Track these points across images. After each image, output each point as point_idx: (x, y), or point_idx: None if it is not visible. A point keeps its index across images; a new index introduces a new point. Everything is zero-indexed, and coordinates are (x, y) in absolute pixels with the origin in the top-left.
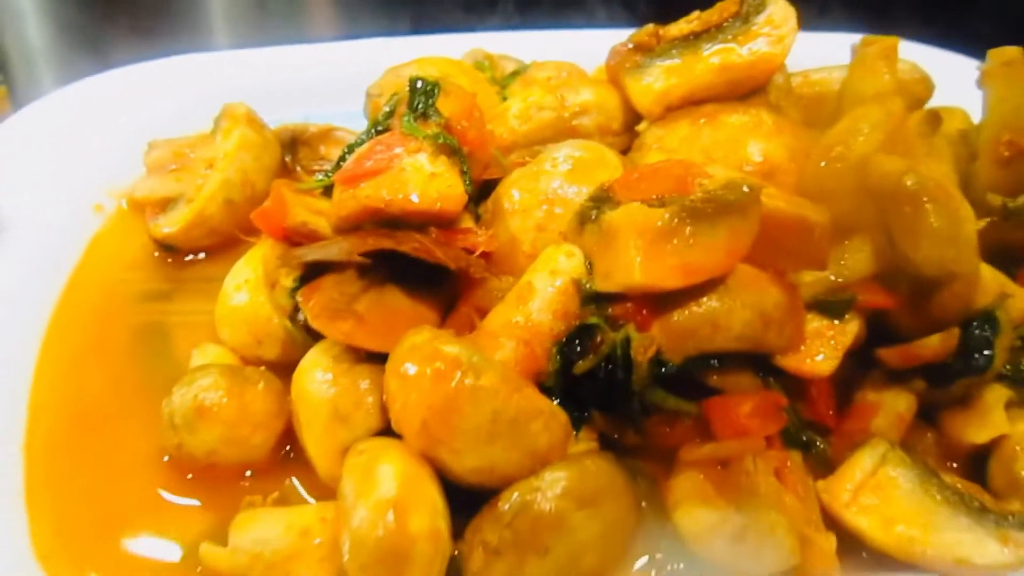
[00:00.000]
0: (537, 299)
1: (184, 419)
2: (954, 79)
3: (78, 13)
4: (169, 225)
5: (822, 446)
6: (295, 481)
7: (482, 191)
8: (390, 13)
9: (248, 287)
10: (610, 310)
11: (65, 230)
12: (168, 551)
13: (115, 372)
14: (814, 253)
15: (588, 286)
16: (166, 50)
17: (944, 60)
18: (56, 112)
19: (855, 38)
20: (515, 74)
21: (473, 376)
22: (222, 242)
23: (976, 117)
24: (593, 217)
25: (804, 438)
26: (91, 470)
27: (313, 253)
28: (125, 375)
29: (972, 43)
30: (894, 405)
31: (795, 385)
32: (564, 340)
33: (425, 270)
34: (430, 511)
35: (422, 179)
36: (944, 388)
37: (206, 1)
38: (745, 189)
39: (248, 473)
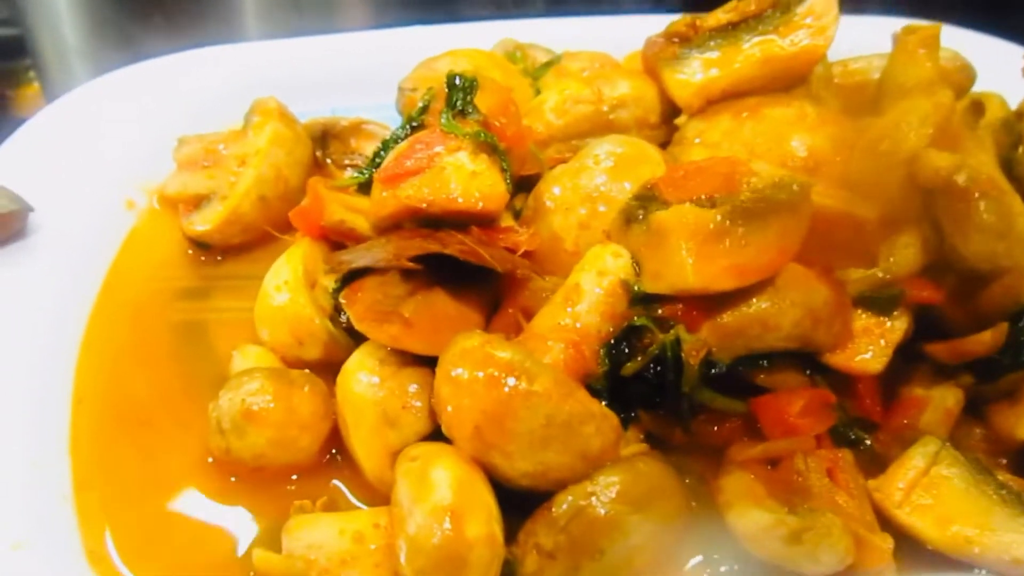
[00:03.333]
0: (585, 301)
1: (232, 423)
2: (990, 63)
3: (111, 9)
4: (203, 223)
5: (870, 443)
6: (340, 484)
7: (519, 186)
8: (423, 3)
9: (288, 287)
10: (659, 311)
11: (98, 228)
12: (216, 554)
13: (156, 372)
14: (863, 249)
15: (636, 287)
16: (199, 45)
17: (980, 43)
18: (83, 107)
19: (892, 22)
20: (547, 65)
21: (527, 381)
22: (255, 239)
23: (1013, 102)
24: (640, 217)
25: (852, 435)
26: (137, 471)
27: (360, 259)
28: (166, 375)
29: (1010, 27)
30: (942, 400)
31: (841, 381)
32: (612, 342)
33: (469, 270)
34: (485, 516)
35: (463, 178)
36: (992, 383)
37: None
38: (795, 188)
39: (294, 476)
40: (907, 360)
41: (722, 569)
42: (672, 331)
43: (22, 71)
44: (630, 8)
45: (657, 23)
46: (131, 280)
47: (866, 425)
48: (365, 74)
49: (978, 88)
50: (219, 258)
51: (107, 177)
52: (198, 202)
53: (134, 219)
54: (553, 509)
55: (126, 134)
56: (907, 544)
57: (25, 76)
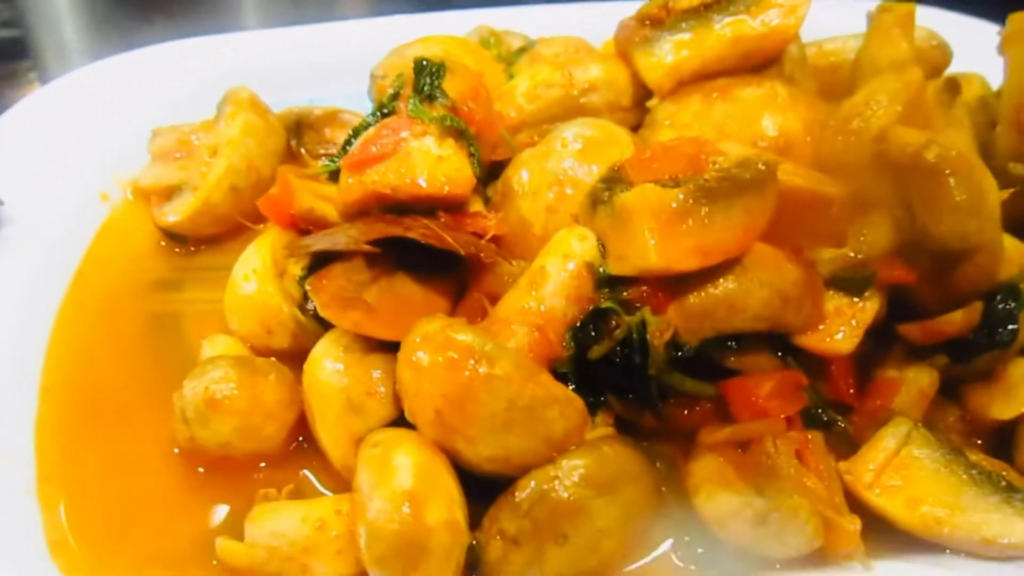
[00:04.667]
0: (550, 284)
1: (196, 412)
2: (971, 44)
3: (111, 10)
4: (175, 214)
5: (843, 425)
6: (308, 473)
7: (490, 172)
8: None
9: (257, 276)
10: (625, 293)
11: (71, 220)
12: (181, 543)
13: (126, 362)
14: (833, 229)
15: (602, 270)
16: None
17: (961, 24)
18: (56, 101)
19: (869, 4)
20: (522, 51)
21: (487, 364)
22: (228, 230)
23: (995, 82)
24: (605, 199)
25: (825, 417)
26: (102, 461)
27: (320, 242)
28: (136, 365)
29: (990, 6)
30: (916, 382)
31: (814, 363)
32: (578, 325)
33: (434, 256)
34: (447, 502)
35: (429, 163)
36: (967, 363)
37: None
38: (761, 166)
39: (265, 464)
40: (881, 341)
41: (692, 554)
42: (637, 313)
43: (23, 72)
44: None
45: (633, 8)
46: (103, 272)
47: (840, 407)
48: (342, 63)
49: (959, 68)
50: (192, 249)
51: (81, 169)
52: (170, 193)
53: (108, 211)
54: (516, 494)
55: (100, 126)
56: (878, 525)
57: (25, 77)
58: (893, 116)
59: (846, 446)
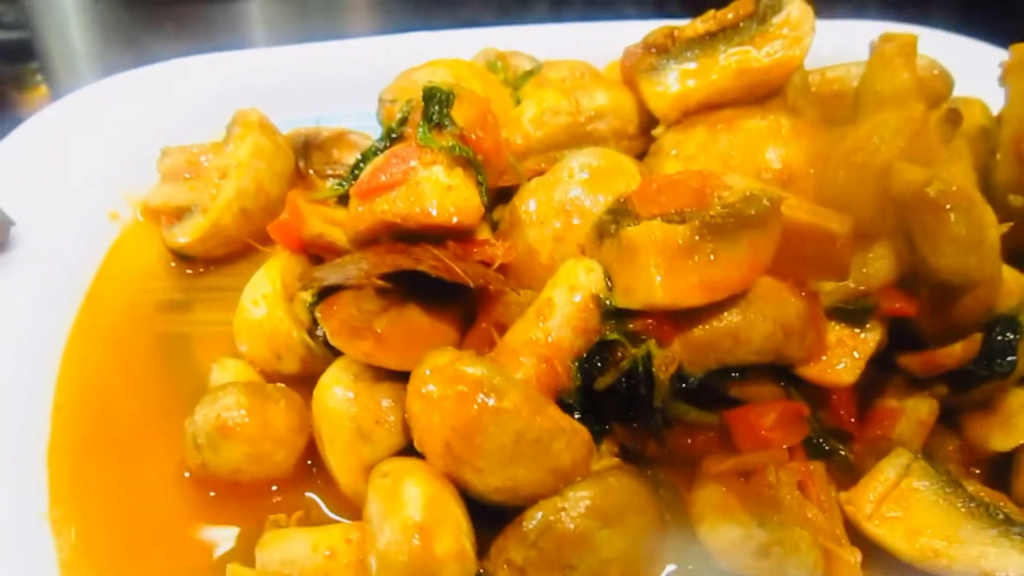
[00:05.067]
0: (557, 315)
1: (207, 438)
2: (973, 66)
3: (119, 13)
4: (185, 235)
5: (844, 453)
6: (316, 497)
7: (498, 197)
8: (428, 11)
9: (266, 301)
10: (630, 325)
11: (82, 240)
12: (191, 568)
13: (136, 385)
14: (836, 262)
15: (608, 302)
16: (205, 51)
17: (963, 47)
18: (66, 119)
19: (871, 26)
20: (528, 74)
21: (496, 397)
22: (237, 251)
23: (995, 105)
24: (612, 231)
25: (826, 446)
26: (114, 485)
27: (332, 276)
28: (146, 387)
29: (991, 29)
30: (916, 412)
31: (816, 392)
32: (584, 356)
33: (444, 285)
34: (455, 532)
35: (439, 192)
36: (966, 394)
37: (247, 4)
38: (765, 202)
39: (275, 487)
40: (881, 371)
41: None
42: (643, 346)
43: (30, 74)
44: (631, 13)
45: (638, 30)
46: (114, 292)
47: (841, 436)
48: (349, 81)
49: (960, 92)
50: (201, 270)
51: (90, 189)
52: (180, 214)
53: (117, 231)
54: (524, 524)
55: (109, 145)
56: (878, 556)
57: (33, 79)
58: (896, 151)
59: (846, 474)
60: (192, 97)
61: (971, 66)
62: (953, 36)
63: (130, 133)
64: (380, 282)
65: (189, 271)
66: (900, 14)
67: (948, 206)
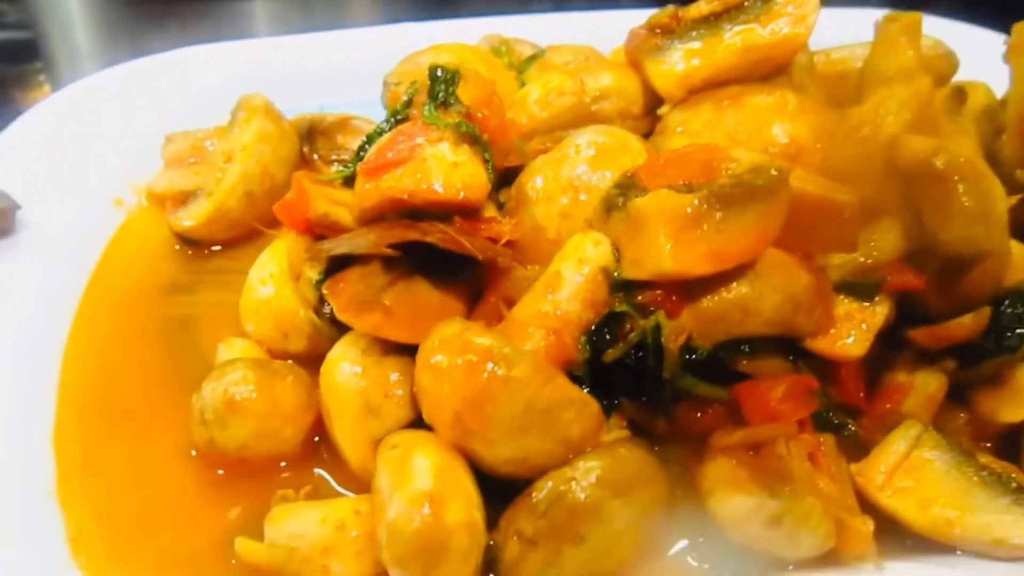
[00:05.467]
0: (565, 288)
1: (215, 414)
2: (977, 52)
3: (123, 12)
4: (189, 219)
5: (853, 428)
6: (325, 473)
7: (504, 178)
8: (429, 7)
9: (273, 280)
10: (639, 297)
11: (87, 225)
12: (200, 544)
13: (142, 365)
14: (844, 235)
15: (616, 274)
16: None
17: (966, 33)
18: (71, 106)
19: (876, 13)
20: (532, 59)
21: (505, 367)
22: (242, 234)
23: (999, 91)
24: (620, 204)
25: (836, 420)
26: (122, 464)
27: (340, 246)
28: (152, 367)
29: (996, 15)
30: (925, 386)
31: (825, 367)
32: (593, 329)
33: (451, 260)
34: (465, 502)
35: (445, 168)
36: (975, 368)
37: (250, 4)
38: (773, 172)
39: (283, 464)
40: (890, 346)
41: (706, 555)
42: (652, 317)
43: (33, 74)
44: (632, 4)
45: (642, 17)
46: (119, 275)
47: (850, 410)
48: (353, 70)
49: (964, 77)
50: (206, 253)
51: (96, 174)
52: (185, 198)
53: (123, 216)
54: (533, 495)
55: (114, 132)
56: (890, 526)
57: (36, 79)
58: (903, 124)
59: (856, 449)
60: (197, 85)
61: (973, 52)
62: (955, 22)
63: (135, 120)
64: (388, 251)
65: (192, 254)
66: (901, 4)
67: (956, 177)
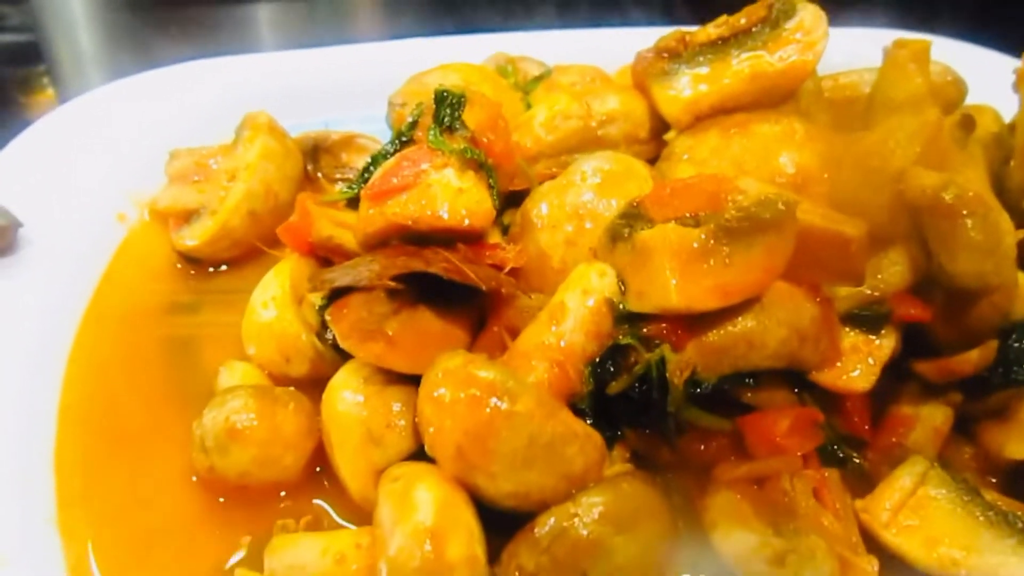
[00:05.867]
0: (570, 319)
1: (216, 441)
2: (984, 75)
3: (127, 17)
4: (192, 238)
5: (858, 461)
6: (325, 504)
7: (508, 201)
8: (435, 17)
9: (275, 303)
10: (644, 330)
11: (89, 241)
12: (200, 572)
13: (143, 387)
14: (851, 268)
15: (621, 306)
16: (212, 55)
17: (973, 56)
18: (73, 121)
19: (879, 34)
20: (538, 79)
21: (508, 401)
22: (245, 253)
23: (1006, 112)
24: (625, 235)
25: (840, 454)
26: (121, 488)
27: (343, 278)
28: (153, 390)
29: (1000, 38)
30: (931, 418)
31: (829, 398)
32: (597, 361)
33: (455, 287)
34: (467, 538)
35: (450, 195)
36: (981, 401)
37: (254, 8)
38: (780, 206)
39: (283, 493)
40: (895, 377)
41: None
42: (657, 350)
43: (36, 77)
44: (638, 19)
45: (649, 35)
46: (121, 294)
47: (854, 443)
48: (358, 86)
49: (972, 100)
50: (209, 271)
51: (98, 190)
52: (188, 216)
53: (124, 232)
54: (536, 530)
55: (117, 147)
56: (894, 565)
57: (39, 82)
58: (911, 156)
59: (861, 482)
60: (201, 101)
61: (982, 74)
62: (963, 44)
63: (138, 136)
64: (392, 283)
65: (195, 272)
66: (906, 22)
67: (964, 212)
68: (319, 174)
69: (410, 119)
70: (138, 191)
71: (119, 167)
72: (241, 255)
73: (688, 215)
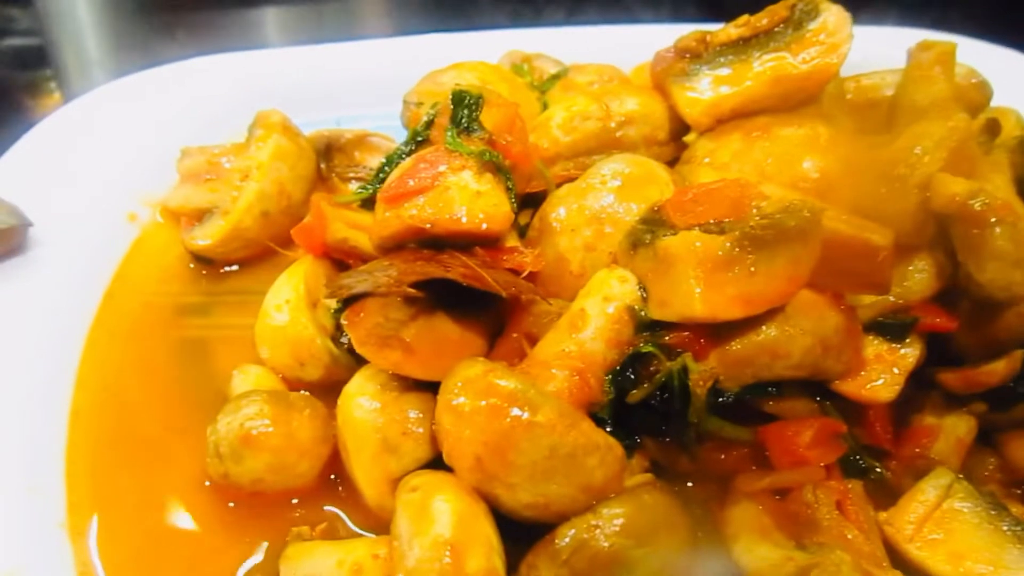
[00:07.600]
0: (590, 327)
1: (230, 448)
2: (1007, 76)
3: (133, 20)
4: (204, 238)
5: (881, 471)
6: (340, 512)
7: (525, 203)
8: (443, 23)
9: (289, 307)
10: (665, 338)
11: (100, 241)
12: None
13: (155, 389)
14: (877, 276)
15: (642, 313)
16: None
17: (996, 56)
18: (83, 118)
19: (903, 32)
20: (555, 78)
21: (529, 411)
22: (258, 253)
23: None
24: (647, 241)
25: (863, 464)
26: (133, 493)
27: (360, 284)
28: (165, 392)
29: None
30: (954, 429)
31: (852, 407)
32: (618, 369)
33: (473, 293)
34: (486, 550)
35: (467, 198)
36: (1006, 412)
37: (261, 11)
38: (806, 213)
39: (295, 501)
40: (919, 387)
41: None
42: (679, 359)
43: (43, 81)
44: (646, 18)
45: (665, 33)
46: (132, 295)
47: (877, 453)
48: (371, 83)
49: (996, 102)
50: (222, 271)
51: (108, 189)
52: (200, 216)
53: (136, 231)
54: (556, 541)
55: (128, 145)
56: None
57: (46, 86)
58: (938, 163)
59: (883, 493)
60: (211, 97)
61: (1002, 75)
62: (983, 43)
63: (147, 132)
64: (411, 291)
65: (207, 273)
66: (920, 19)
67: (993, 219)
68: (332, 173)
69: (426, 118)
70: (149, 189)
71: (128, 164)
72: (254, 255)
73: (712, 221)
